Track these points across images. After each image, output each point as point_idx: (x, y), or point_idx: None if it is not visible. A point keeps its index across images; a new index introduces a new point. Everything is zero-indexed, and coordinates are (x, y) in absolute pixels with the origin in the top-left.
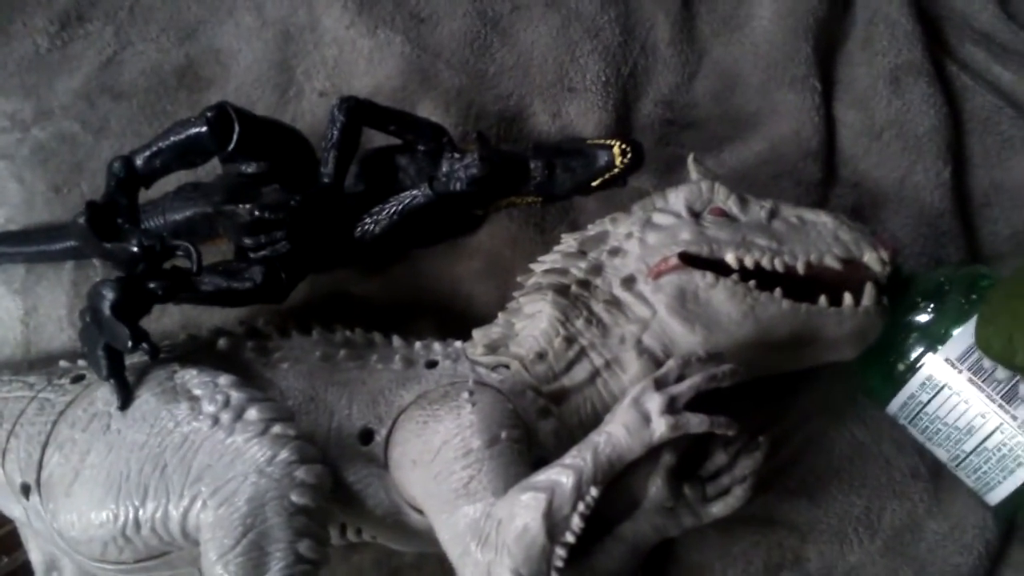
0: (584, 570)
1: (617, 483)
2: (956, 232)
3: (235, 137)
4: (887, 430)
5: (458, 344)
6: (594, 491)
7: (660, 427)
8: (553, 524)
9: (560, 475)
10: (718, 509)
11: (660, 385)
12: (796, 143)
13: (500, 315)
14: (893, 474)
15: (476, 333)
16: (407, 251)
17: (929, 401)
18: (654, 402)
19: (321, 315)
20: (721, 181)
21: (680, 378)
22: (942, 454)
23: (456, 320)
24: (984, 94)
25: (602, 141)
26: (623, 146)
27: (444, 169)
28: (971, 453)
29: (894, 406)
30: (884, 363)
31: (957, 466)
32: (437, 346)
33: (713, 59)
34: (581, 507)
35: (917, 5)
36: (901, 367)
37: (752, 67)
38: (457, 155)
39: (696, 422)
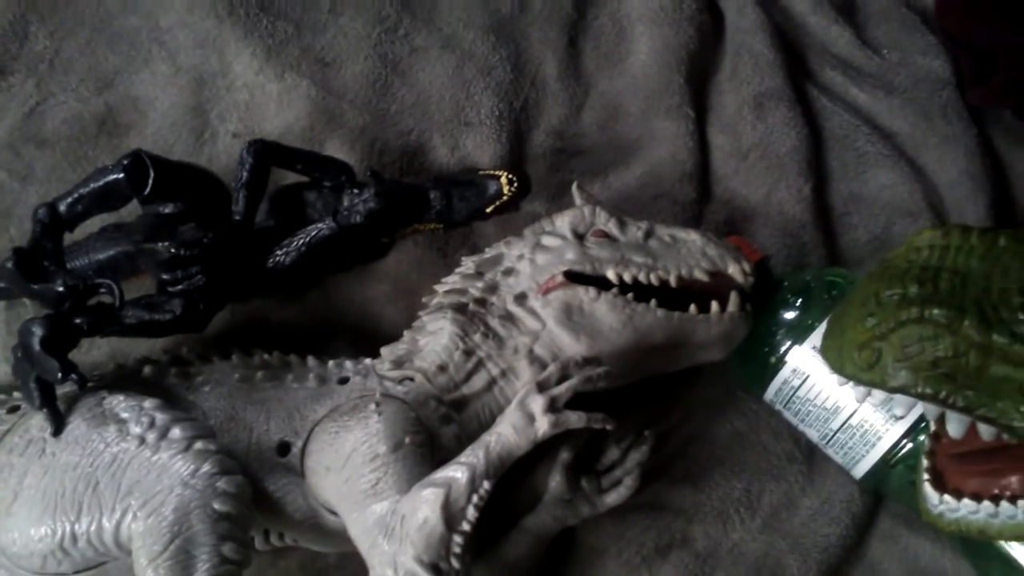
0: (494, 560)
1: (521, 481)
2: (818, 242)
3: (150, 182)
4: (765, 420)
5: (368, 361)
6: (487, 484)
7: (543, 425)
8: (450, 515)
9: (456, 471)
10: (612, 499)
11: (542, 388)
12: (673, 166)
13: (406, 333)
14: (770, 459)
15: (384, 350)
16: (320, 278)
17: (800, 386)
18: (537, 403)
19: (241, 341)
20: (602, 206)
21: (561, 380)
22: (813, 434)
23: (368, 339)
24: (842, 114)
25: (492, 172)
26: (509, 176)
27: (345, 204)
28: (838, 431)
29: (770, 393)
30: (759, 355)
31: (827, 444)
32: (348, 364)
33: (598, 92)
34: (475, 499)
35: (780, 36)
36: (773, 359)
37: (633, 98)
38: (356, 191)
39: (575, 418)
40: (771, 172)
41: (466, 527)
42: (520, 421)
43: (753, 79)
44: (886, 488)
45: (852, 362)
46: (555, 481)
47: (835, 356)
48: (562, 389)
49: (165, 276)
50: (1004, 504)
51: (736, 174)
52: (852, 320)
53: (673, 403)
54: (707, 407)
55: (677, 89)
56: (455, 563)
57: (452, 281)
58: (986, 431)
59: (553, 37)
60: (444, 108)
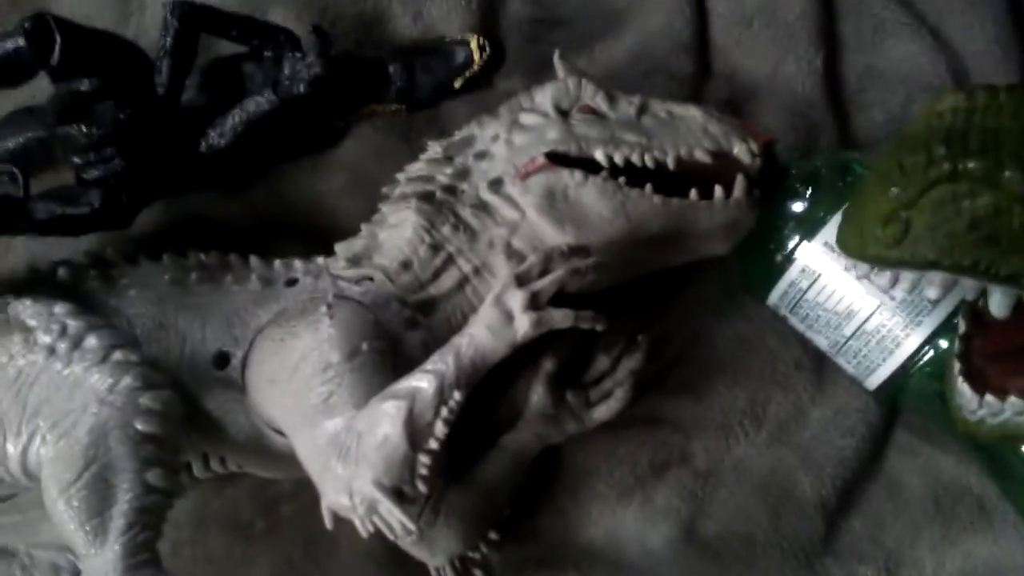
0: (468, 483)
1: (500, 394)
2: (829, 123)
3: (57, 48)
4: (770, 324)
5: (320, 260)
6: (458, 395)
7: (523, 324)
8: (415, 431)
9: (421, 381)
10: (600, 413)
11: (522, 282)
12: (668, 36)
13: (364, 227)
14: (777, 366)
15: (339, 247)
16: (266, 168)
17: (809, 288)
18: (516, 299)
19: (177, 242)
20: (589, 78)
21: (543, 273)
22: (822, 342)
23: (322, 238)
24: None
25: (459, 38)
26: (480, 40)
27: (286, 72)
28: (851, 338)
29: (774, 296)
30: (764, 253)
31: (837, 352)
32: (298, 263)
33: None
34: (444, 412)
35: None
36: (780, 257)
37: None
38: (299, 55)
39: (560, 317)
40: (778, 42)
41: (433, 445)
42: (496, 320)
43: None
44: (903, 399)
45: (876, 240)
46: (537, 394)
47: (855, 240)
48: (545, 283)
49: (76, 160)
50: None
51: (739, 45)
52: (872, 196)
53: (669, 305)
54: (707, 309)
55: None
56: (421, 486)
57: (417, 168)
58: None
59: None
60: None
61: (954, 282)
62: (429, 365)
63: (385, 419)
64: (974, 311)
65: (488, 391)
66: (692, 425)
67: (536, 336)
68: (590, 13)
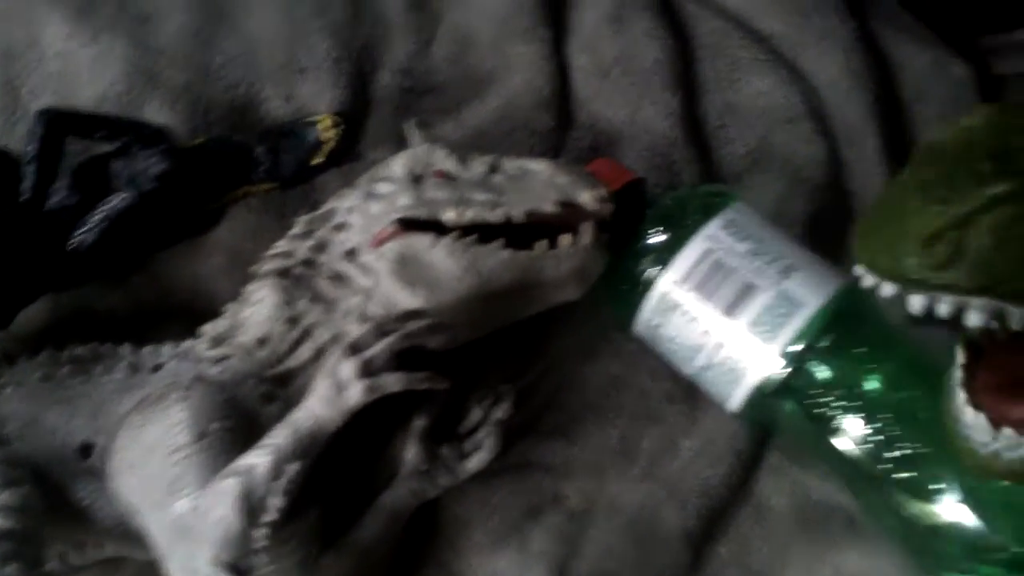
0: (343, 548)
1: (377, 456)
2: (690, 158)
3: None
4: (643, 361)
5: (188, 343)
6: (295, 466)
7: (355, 393)
8: (250, 507)
9: (257, 457)
10: (472, 464)
11: (356, 350)
12: (529, 94)
13: (228, 306)
14: (649, 402)
15: (205, 328)
16: (145, 257)
17: (662, 323)
18: (347, 369)
19: (65, 337)
20: (441, 143)
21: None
22: (684, 371)
23: (202, 319)
24: (711, 19)
25: (310, 119)
26: (334, 118)
27: (138, 168)
28: (705, 369)
29: (638, 331)
30: (625, 290)
31: (698, 381)
32: (166, 348)
33: (447, 23)
34: (282, 484)
35: None
36: (638, 292)
37: (485, 25)
38: (147, 151)
39: (392, 381)
40: (635, 88)
41: (270, 518)
42: (329, 391)
43: None
44: (768, 420)
45: (917, 262)
46: (411, 452)
47: (886, 259)
48: (376, 350)
49: None
50: None
51: (599, 95)
52: (911, 212)
53: (543, 351)
54: (579, 352)
55: (530, 9)
56: (258, 560)
57: (280, 245)
58: None
59: None
60: (275, 55)
61: (1001, 309)
62: (267, 439)
63: (222, 497)
64: (969, 340)
65: (364, 453)
66: (564, 468)
67: (370, 402)
68: (458, 79)
